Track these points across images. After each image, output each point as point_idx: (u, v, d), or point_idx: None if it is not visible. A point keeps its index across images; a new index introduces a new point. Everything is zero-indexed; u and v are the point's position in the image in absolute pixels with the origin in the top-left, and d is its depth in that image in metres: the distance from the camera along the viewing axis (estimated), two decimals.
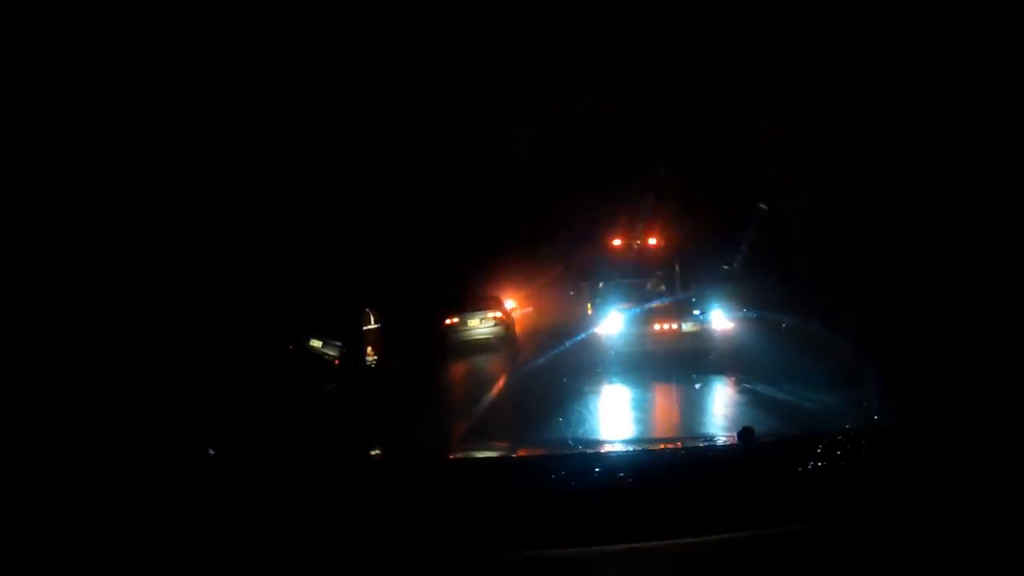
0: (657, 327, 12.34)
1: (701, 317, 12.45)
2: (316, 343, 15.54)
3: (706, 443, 2.83)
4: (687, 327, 12.42)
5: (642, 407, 9.31)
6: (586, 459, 2.34)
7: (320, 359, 15.07)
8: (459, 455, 2.99)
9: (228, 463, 2.06)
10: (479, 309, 16.44)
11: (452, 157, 18.29)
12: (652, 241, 16.83)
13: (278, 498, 1.85)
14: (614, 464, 2.04)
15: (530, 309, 24.13)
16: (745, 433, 2.08)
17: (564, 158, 20.53)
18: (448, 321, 16.30)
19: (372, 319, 15.76)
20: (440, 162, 18.11)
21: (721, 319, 12.41)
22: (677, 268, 16.87)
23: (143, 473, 1.95)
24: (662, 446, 3.17)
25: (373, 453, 2.75)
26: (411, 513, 1.77)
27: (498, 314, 16.47)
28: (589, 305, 17.09)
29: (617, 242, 16.73)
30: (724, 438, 2.94)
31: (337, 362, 15.20)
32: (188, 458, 2.07)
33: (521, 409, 8.94)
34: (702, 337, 12.26)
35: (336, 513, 1.80)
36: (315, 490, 1.89)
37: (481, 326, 16.15)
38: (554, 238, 22.54)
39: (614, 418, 8.42)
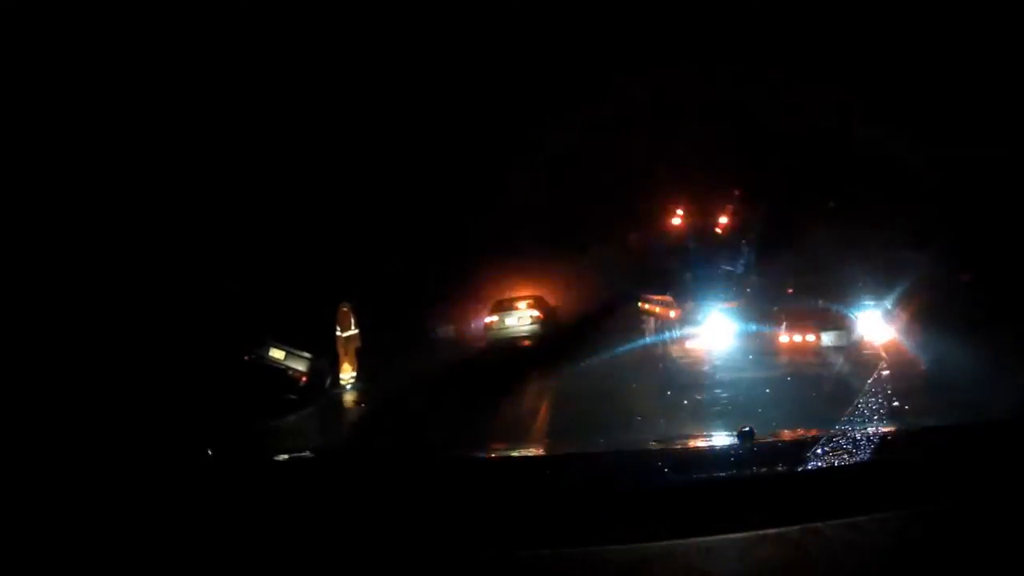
0: (786, 339, 7.94)
1: (848, 322, 8.10)
2: (277, 352, 11.88)
3: (707, 443, 2.63)
4: (829, 339, 8.06)
5: None
6: (586, 461, 2.28)
7: (283, 375, 11.49)
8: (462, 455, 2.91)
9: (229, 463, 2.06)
10: (517, 308, 16.41)
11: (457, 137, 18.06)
12: (722, 221, 12.97)
13: (282, 500, 1.83)
14: (614, 465, 2.05)
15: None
16: (745, 433, 2.07)
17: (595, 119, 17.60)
18: (487, 320, 16.54)
19: (351, 321, 11.57)
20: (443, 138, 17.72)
21: (880, 325, 8.03)
22: (746, 251, 12.91)
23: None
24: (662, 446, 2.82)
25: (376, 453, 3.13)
26: (415, 514, 1.76)
27: (536, 313, 16.15)
28: (643, 303, 12.97)
29: (678, 221, 12.65)
30: (725, 438, 2.45)
31: (304, 379, 11.56)
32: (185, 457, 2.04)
33: None
34: (857, 356, 7.86)
35: (340, 514, 1.78)
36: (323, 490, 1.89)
37: (519, 324, 16.05)
38: (581, 221, 19.66)
39: None
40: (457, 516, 1.72)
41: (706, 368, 8.48)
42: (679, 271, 10.88)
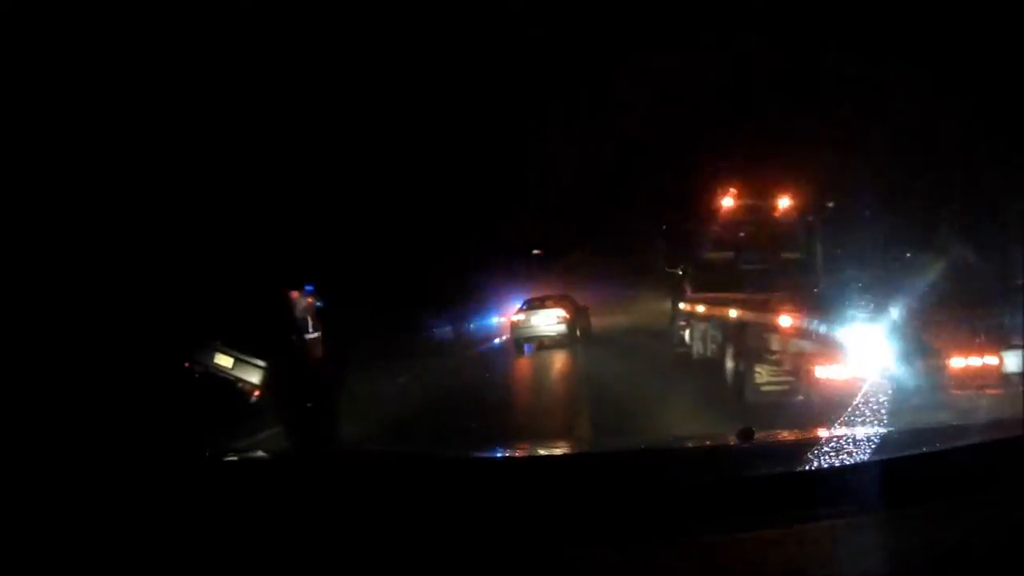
0: (960, 362, 5.21)
1: None
2: (224, 360, 9.51)
3: (705, 443, 2.61)
4: (1016, 361, 5.33)
5: None
6: (583, 460, 2.32)
7: (231, 388, 9.45)
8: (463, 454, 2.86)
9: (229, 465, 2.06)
10: (545, 307, 16.86)
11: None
12: (783, 204, 10.99)
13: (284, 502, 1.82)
14: (612, 464, 2.06)
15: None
16: (744, 433, 2.06)
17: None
18: (514, 319, 17.11)
19: (309, 319, 9.05)
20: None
21: None
22: (819, 246, 10.75)
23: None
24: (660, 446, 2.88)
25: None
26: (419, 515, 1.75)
27: (562, 312, 16.51)
28: (688, 304, 10.69)
29: (728, 202, 10.49)
30: (723, 438, 2.50)
31: (258, 393, 9.44)
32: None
33: None
34: None
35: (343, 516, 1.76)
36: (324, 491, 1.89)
37: (545, 323, 16.50)
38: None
39: None
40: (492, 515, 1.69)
41: (800, 403, 5.71)
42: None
